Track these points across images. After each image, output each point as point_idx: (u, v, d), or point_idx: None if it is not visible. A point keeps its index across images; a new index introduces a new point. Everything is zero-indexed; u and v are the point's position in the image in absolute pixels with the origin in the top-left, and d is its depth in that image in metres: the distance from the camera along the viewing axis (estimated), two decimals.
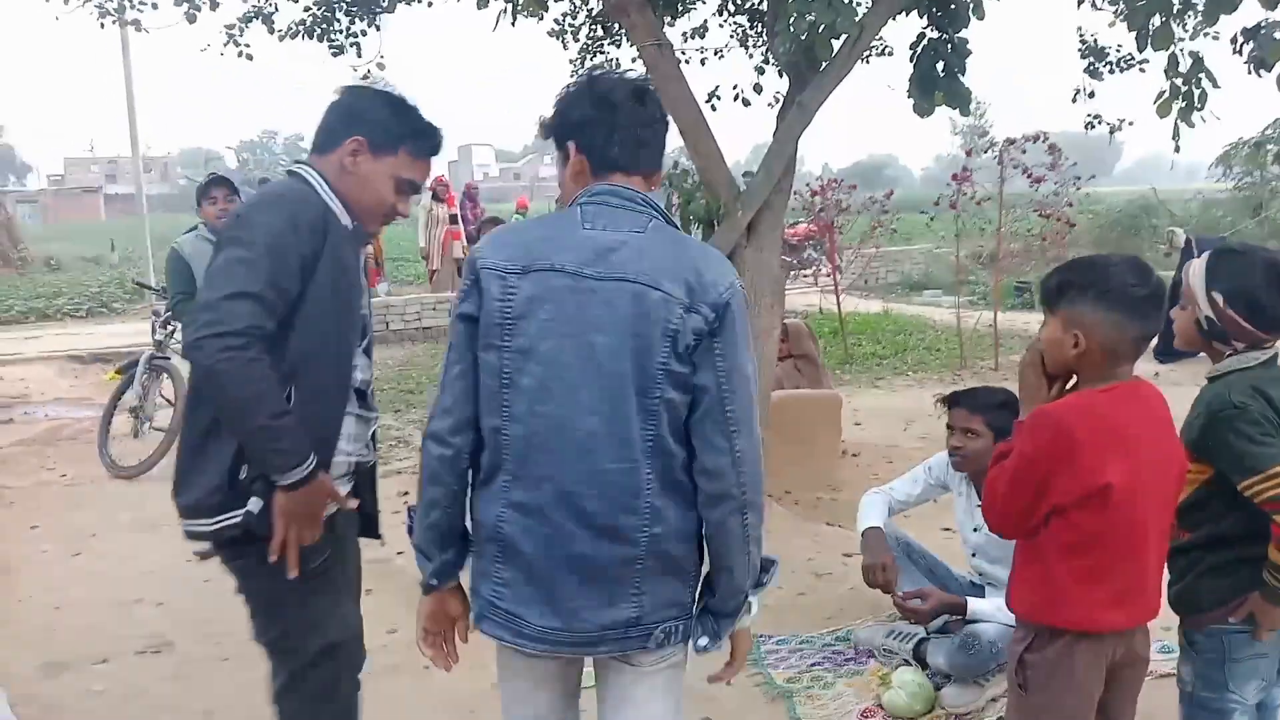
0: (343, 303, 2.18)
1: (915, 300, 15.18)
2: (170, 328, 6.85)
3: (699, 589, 1.91)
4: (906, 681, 3.32)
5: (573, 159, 1.90)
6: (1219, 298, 2.23)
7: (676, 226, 1.93)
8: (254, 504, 2.08)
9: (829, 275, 11.22)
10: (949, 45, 5.22)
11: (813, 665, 3.63)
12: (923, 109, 5.54)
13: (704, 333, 1.75)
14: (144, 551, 5.08)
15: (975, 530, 3.57)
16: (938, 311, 13.15)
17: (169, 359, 6.83)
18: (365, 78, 6.80)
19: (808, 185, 10.61)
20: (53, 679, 3.65)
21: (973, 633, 3.35)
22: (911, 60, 5.31)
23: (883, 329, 11.81)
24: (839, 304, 10.80)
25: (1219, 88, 5.54)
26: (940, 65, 5.27)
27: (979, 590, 3.68)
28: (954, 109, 5.55)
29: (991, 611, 3.39)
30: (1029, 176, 9.32)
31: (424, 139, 2.31)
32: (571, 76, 3.77)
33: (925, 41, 5.25)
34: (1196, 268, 2.29)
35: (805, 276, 14.01)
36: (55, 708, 3.46)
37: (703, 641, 1.89)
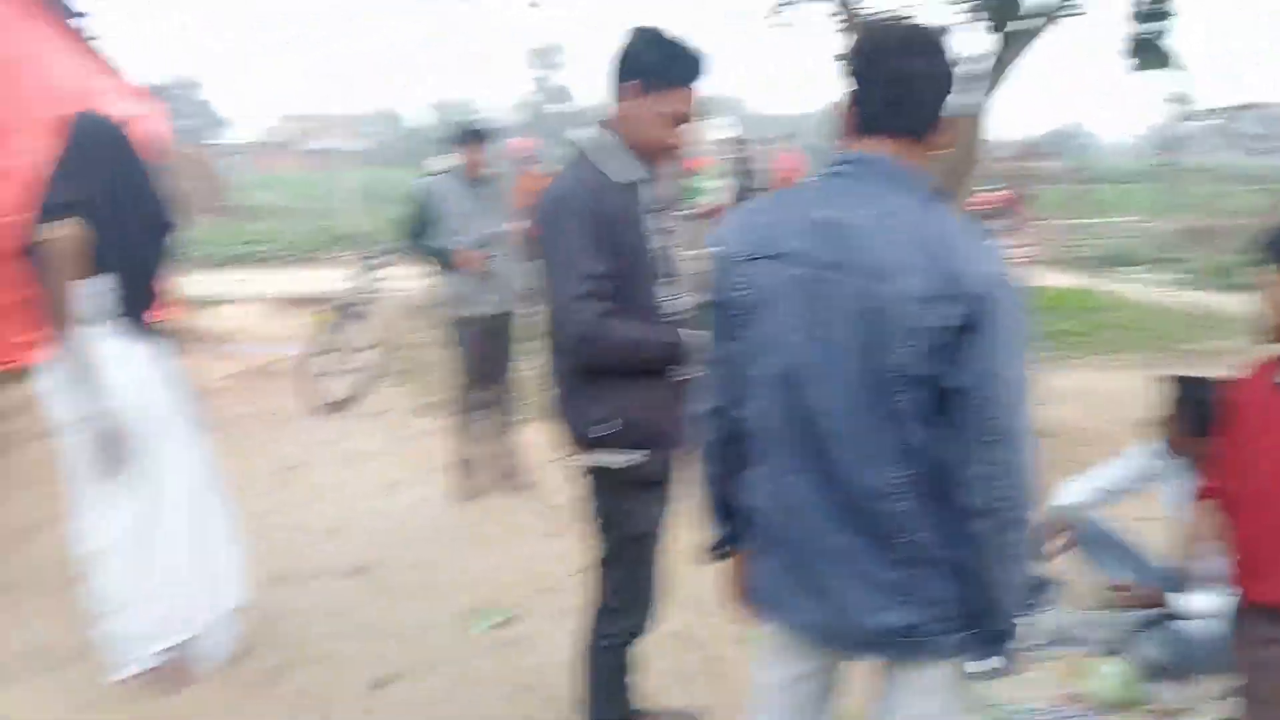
0: (632, 252, 2.38)
1: (1114, 276, 14.33)
2: (373, 272, 7.23)
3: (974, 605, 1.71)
4: (1112, 672, 3.17)
5: (842, 110, 1.77)
6: None
7: (933, 200, 1.69)
8: (637, 455, 2.42)
9: (1020, 248, 10.70)
10: (1155, 7, 4.92)
11: None
12: (1139, 69, 5.25)
13: (955, 329, 1.55)
14: (345, 481, 5.41)
15: (1186, 516, 3.35)
16: (1139, 289, 12.38)
17: (370, 302, 7.22)
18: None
19: (999, 154, 10.16)
20: (268, 591, 3.94)
21: (1184, 627, 3.16)
22: (1120, 23, 5.03)
23: (1078, 305, 11.20)
24: (1033, 278, 10.29)
25: None
26: (1147, 27, 4.97)
27: (1177, 583, 3.46)
28: (1161, 70, 5.23)
29: (1199, 605, 3.19)
30: (1249, 148, 8.60)
31: (678, 67, 2.35)
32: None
33: (1143, 3, 4.95)
34: None
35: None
36: (272, 617, 3.73)
37: (975, 665, 1.77)
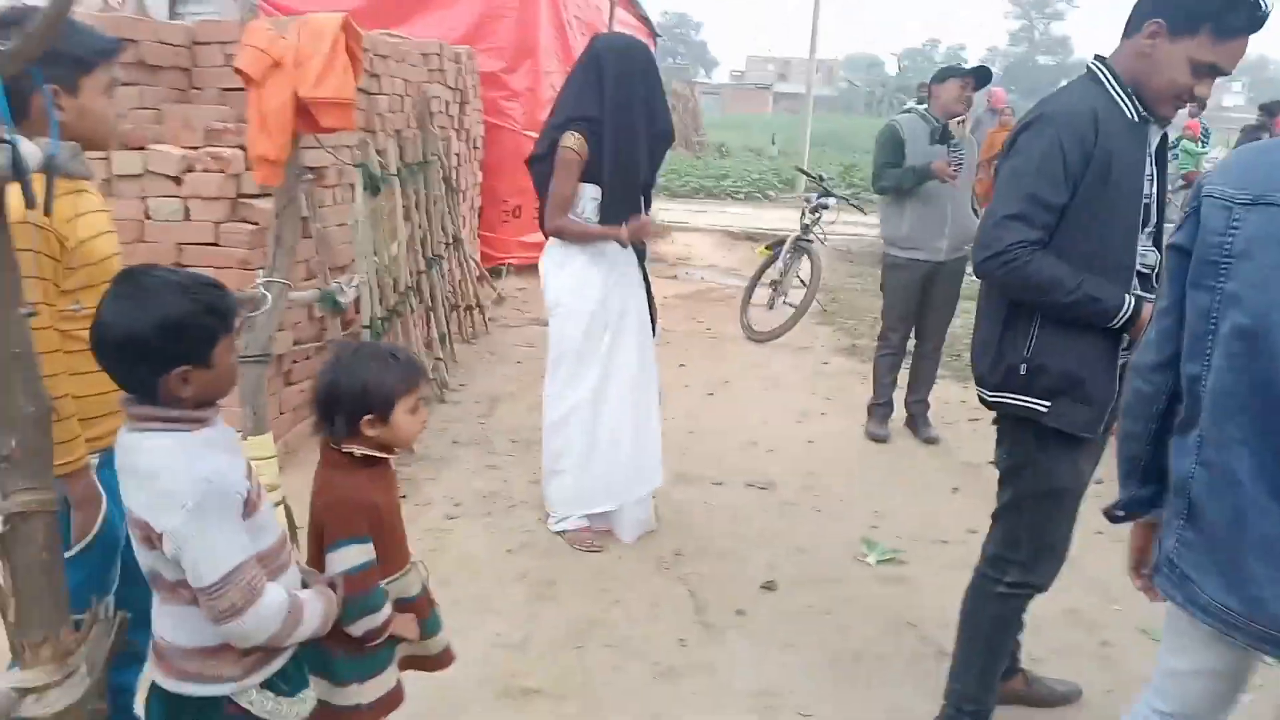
0: (1121, 195, 2.26)
1: None
2: (818, 214, 7.47)
3: None
4: None
5: None
6: None
7: None
8: (1056, 403, 2.35)
9: None
10: None
11: None
12: None
13: None
14: (764, 405, 5.75)
15: None
16: None
17: (811, 242, 7.47)
18: None
19: None
20: (680, 487, 4.37)
21: None
22: None
23: None
24: None
25: None
26: None
27: None
28: None
29: None
30: None
31: (1232, 13, 2.09)
32: None
33: None
34: None
35: None
36: (681, 511, 4.15)
37: None
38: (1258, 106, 12.81)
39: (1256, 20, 2.09)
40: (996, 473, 2.58)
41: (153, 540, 1.56)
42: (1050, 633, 3.24)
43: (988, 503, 2.66)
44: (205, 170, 4.11)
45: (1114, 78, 2.28)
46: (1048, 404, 2.35)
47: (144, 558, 1.63)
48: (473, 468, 4.52)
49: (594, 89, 3.49)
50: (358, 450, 1.93)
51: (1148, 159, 2.31)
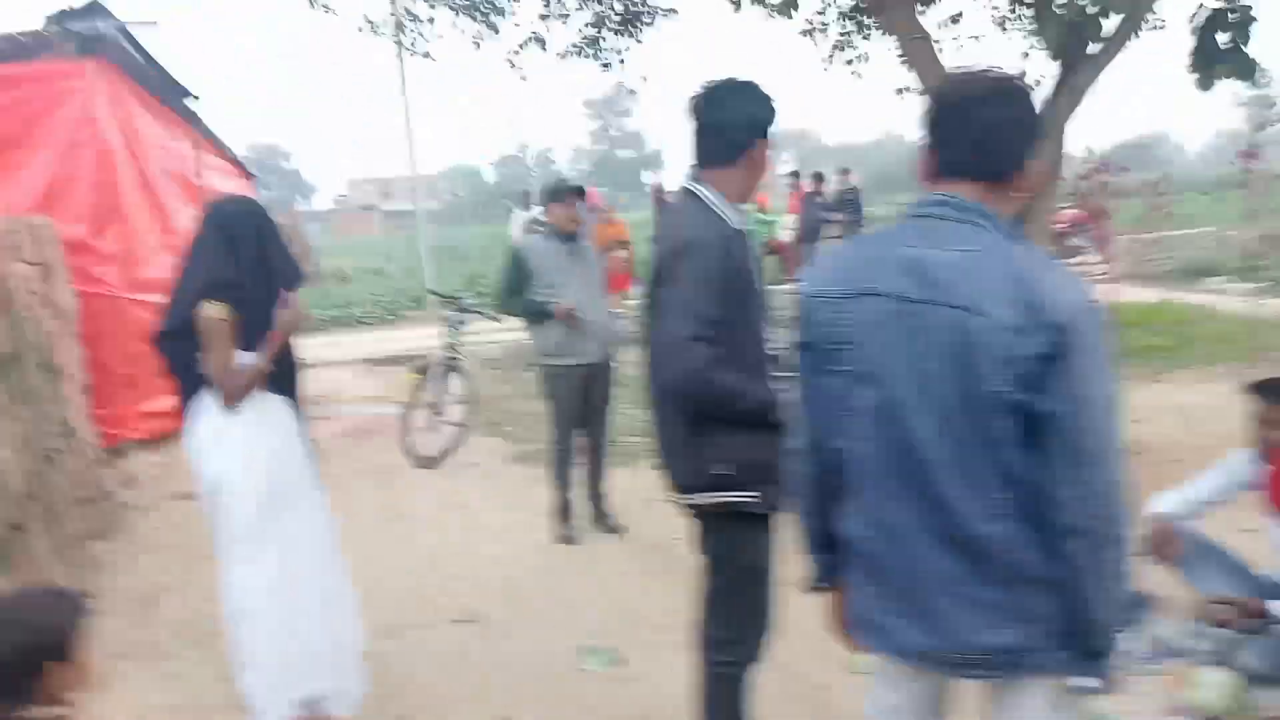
0: (750, 296, 2.54)
1: (1197, 288, 14.03)
2: (459, 331, 7.52)
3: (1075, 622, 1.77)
4: (1216, 682, 3.19)
5: (921, 156, 1.86)
6: None
7: (1017, 240, 1.78)
8: (758, 491, 2.55)
9: (1099, 264, 10.59)
10: (1231, 14, 4.90)
11: None
12: (1204, 83, 5.25)
13: (1046, 357, 1.62)
14: (449, 530, 5.64)
15: None
16: (1223, 299, 12.11)
17: (458, 358, 7.50)
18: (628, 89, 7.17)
19: (1073, 171, 10.09)
20: (387, 642, 4.15)
21: None
22: (1192, 32, 5.03)
23: (1162, 319, 11.02)
24: (1114, 293, 10.17)
25: None
26: (1222, 36, 4.96)
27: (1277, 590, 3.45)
28: (1239, 80, 5.21)
29: None
30: None
31: (774, 115, 2.57)
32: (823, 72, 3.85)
33: (1205, 12, 4.95)
34: None
35: (1074, 267, 13.28)
36: (394, 668, 3.94)
37: (1080, 681, 1.83)
38: (812, 175, 14.75)
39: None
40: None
41: None
42: (766, 688, 3.41)
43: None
44: None
45: (713, 196, 2.56)
46: (757, 494, 2.55)
47: None
48: (147, 680, 3.99)
49: (223, 253, 3.31)
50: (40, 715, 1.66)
51: (754, 258, 2.62)
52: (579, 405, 5.30)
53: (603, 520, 5.48)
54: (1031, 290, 1.64)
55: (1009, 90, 1.78)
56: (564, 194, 5.27)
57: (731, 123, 2.55)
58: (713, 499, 2.58)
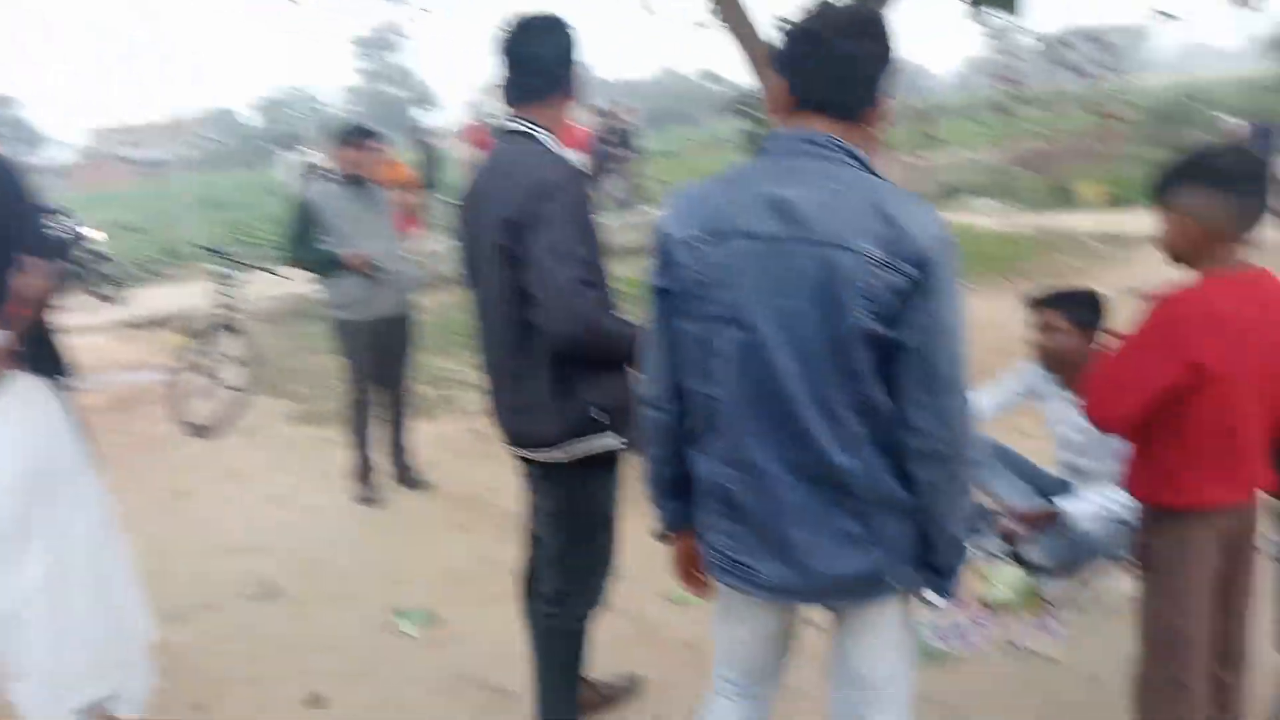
0: (597, 236, 2.44)
1: (955, 208, 14.98)
2: (232, 287, 6.99)
3: (927, 542, 1.83)
4: (1007, 577, 3.41)
5: (776, 89, 1.82)
6: None
7: (876, 172, 1.77)
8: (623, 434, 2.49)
9: None
10: None
11: None
12: (974, 13, 5.54)
13: (905, 290, 1.64)
14: (237, 501, 5.25)
15: (1069, 426, 3.60)
16: (980, 219, 12.98)
17: (233, 316, 6.98)
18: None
19: None
20: (175, 628, 3.81)
21: (1070, 526, 3.41)
22: None
23: None
24: None
25: None
26: None
27: (1069, 488, 3.71)
28: (1003, 11, 5.51)
29: (1085, 508, 3.44)
30: (1081, 74, 9.13)
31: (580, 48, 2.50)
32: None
33: None
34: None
35: None
36: (185, 656, 3.61)
37: (932, 598, 1.89)
38: (598, 111, 14.62)
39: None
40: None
41: None
42: (596, 630, 3.37)
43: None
44: None
45: (547, 135, 2.46)
46: (624, 438, 2.49)
47: None
48: None
49: None
50: None
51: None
52: (375, 359, 5.02)
53: (407, 477, 5.26)
54: (894, 224, 1.65)
55: (868, 23, 1.76)
56: (354, 136, 4.93)
57: (549, 57, 2.46)
58: (584, 447, 2.48)
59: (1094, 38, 8.81)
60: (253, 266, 7.37)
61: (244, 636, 3.75)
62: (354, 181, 4.89)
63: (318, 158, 4.96)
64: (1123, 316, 2.30)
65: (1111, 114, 9.20)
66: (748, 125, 5.69)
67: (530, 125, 2.44)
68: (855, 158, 1.75)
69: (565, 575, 2.63)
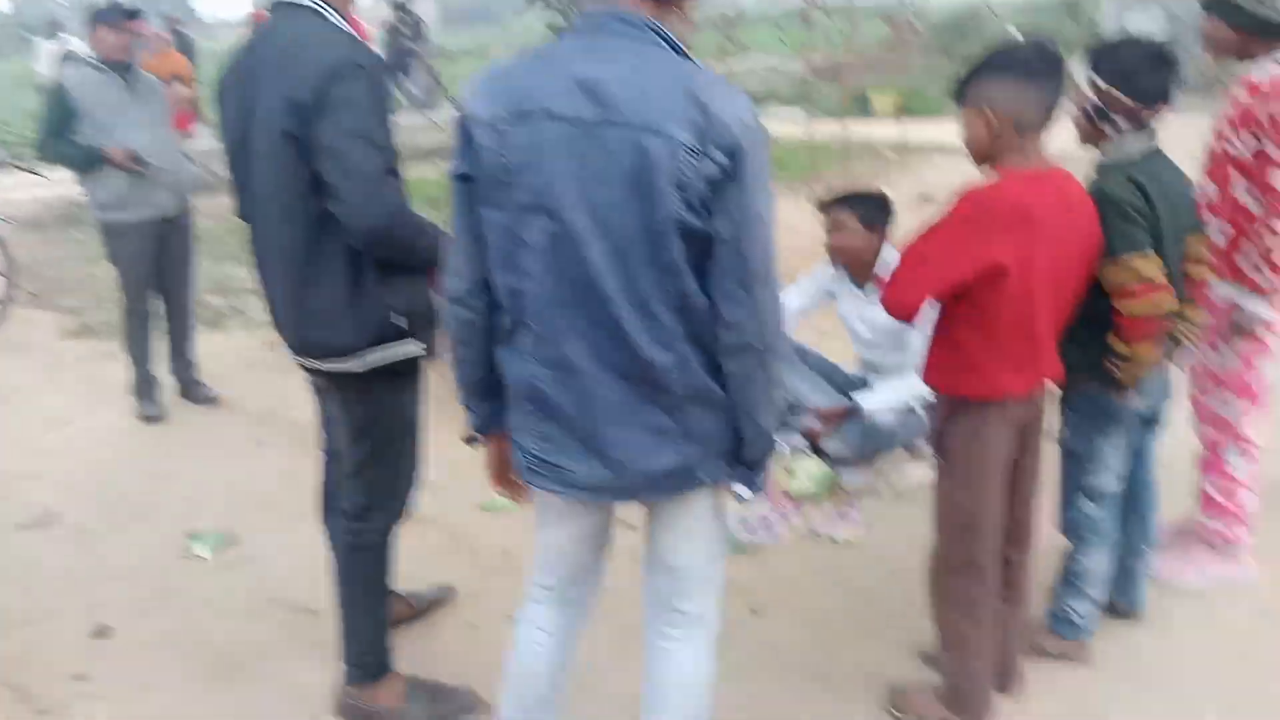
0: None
1: (759, 114, 15.19)
2: None
3: (740, 435, 1.82)
4: (809, 469, 3.55)
5: None
6: (1099, 79, 2.41)
7: (689, 57, 1.69)
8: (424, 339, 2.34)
9: None
10: None
11: None
12: None
13: (717, 179, 1.59)
14: (4, 425, 4.79)
15: (862, 322, 3.75)
16: (783, 125, 13.24)
17: None
18: None
19: None
20: None
21: (868, 419, 3.58)
22: None
23: None
24: None
25: None
26: None
27: (866, 384, 3.89)
28: None
29: (881, 401, 3.62)
30: None
31: None
32: None
33: None
34: (1078, 64, 2.42)
35: None
36: None
37: (742, 490, 1.90)
38: (395, 5, 13.90)
39: None
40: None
41: None
42: (405, 541, 3.29)
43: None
44: None
45: (336, 15, 2.23)
46: (423, 343, 2.33)
47: None
48: None
49: None
50: None
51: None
52: (152, 265, 4.62)
53: (194, 391, 4.93)
54: (706, 110, 1.58)
55: None
56: (111, 16, 4.42)
57: None
58: (381, 356, 2.29)
59: None
60: (8, 164, 6.64)
61: (20, 569, 3.44)
62: (116, 68, 4.42)
63: (78, 45, 4.43)
64: (913, 220, 2.36)
65: (901, 27, 9.51)
66: (554, 20, 5.51)
67: (316, 3, 2.20)
68: (668, 40, 1.68)
69: (366, 489, 2.49)
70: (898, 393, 3.59)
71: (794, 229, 3.97)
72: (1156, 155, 2.44)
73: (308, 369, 2.42)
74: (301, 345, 2.35)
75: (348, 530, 2.53)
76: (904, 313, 2.24)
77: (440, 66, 15.24)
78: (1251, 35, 2.74)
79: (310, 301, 2.25)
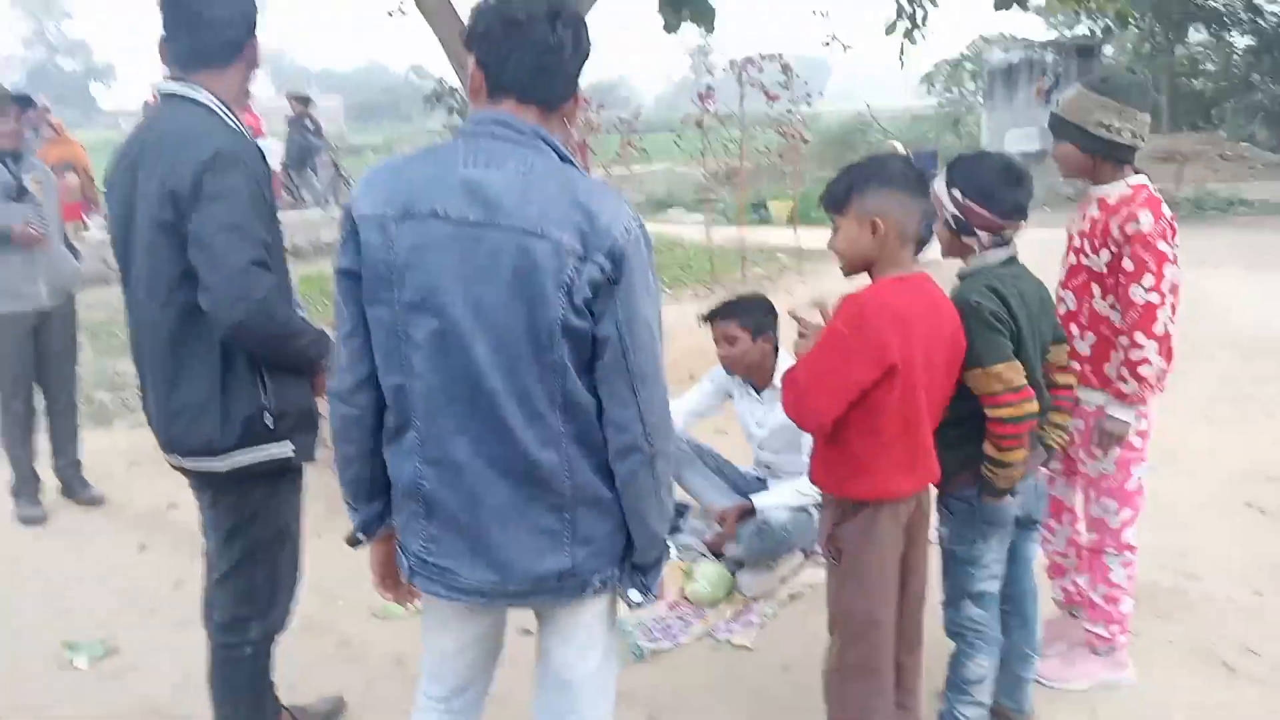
0: (275, 217, 2.26)
1: (660, 219, 15.61)
2: None
3: (628, 539, 1.83)
4: (708, 572, 3.58)
5: (472, 73, 1.75)
6: (958, 193, 2.52)
7: (572, 163, 1.75)
8: (298, 441, 2.29)
9: None
10: None
11: None
12: (671, 26, 5.87)
13: (601, 283, 1.63)
14: None
15: (759, 425, 3.85)
16: (682, 229, 13.60)
17: None
18: None
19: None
20: None
21: (764, 521, 3.64)
22: None
23: None
24: None
25: (936, 6, 6.10)
26: None
27: (763, 483, 3.97)
28: (699, 25, 5.89)
29: (776, 502, 3.69)
30: (768, 96, 9.77)
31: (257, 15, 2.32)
32: None
33: None
34: (938, 177, 2.58)
35: None
36: None
37: (634, 596, 1.87)
38: (298, 98, 13.92)
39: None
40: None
41: None
42: (293, 651, 3.20)
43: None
44: None
45: (218, 103, 2.24)
46: (293, 445, 2.28)
47: None
48: None
49: None
50: None
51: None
52: (30, 360, 4.48)
53: (78, 491, 4.74)
54: (589, 214, 1.64)
55: (565, 12, 1.73)
56: (3, 104, 4.36)
57: (226, 18, 2.23)
58: (249, 457, 2.24)
59: (781, 64, 9.43)
60: None
61: None
62: (4, 155, 4.34)
63: None
64: (810, 325, 2.44)
65: (791, 134, 9.92)
66: (453, 120, 5.66)
67: (195, 91, 2.21)
68: (552, 146, 1.72)
69: (238, 598, 2.40)
70: (793, 493, 3.67)
71: (693, 330, 4.07)
72: (1014, 264, 2.57)
73: (174, 467, 2.34)
74: (167, 441, 2.29)
75: (220, 643, 2.44)
76: (818, 423, 2.30)
77: (346, 162, 15.28)
78: (1103, 159, 2.85)
79: (177, 396, 2.21)
